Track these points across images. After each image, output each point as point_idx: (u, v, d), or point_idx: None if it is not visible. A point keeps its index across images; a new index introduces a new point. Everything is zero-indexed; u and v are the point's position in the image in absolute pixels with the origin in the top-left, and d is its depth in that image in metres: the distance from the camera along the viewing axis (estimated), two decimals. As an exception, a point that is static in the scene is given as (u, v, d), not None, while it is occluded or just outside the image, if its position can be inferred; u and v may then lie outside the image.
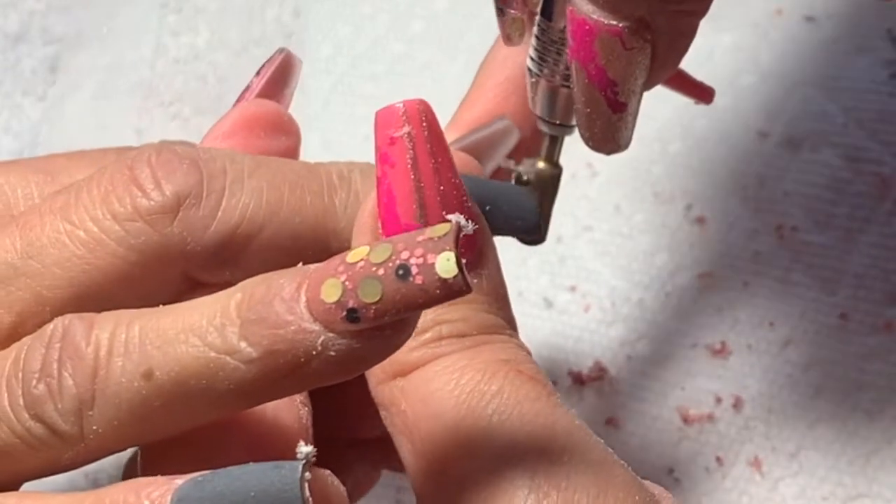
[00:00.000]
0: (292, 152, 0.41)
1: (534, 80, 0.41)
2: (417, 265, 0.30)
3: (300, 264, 0.33)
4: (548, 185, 0.43)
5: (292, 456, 0.32)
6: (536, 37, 0.40)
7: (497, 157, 0.45)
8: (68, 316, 0.34)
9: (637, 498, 0.33)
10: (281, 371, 0.32)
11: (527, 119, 0.44)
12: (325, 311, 0.31)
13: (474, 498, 0.33)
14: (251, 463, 0.32)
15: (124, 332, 0.33)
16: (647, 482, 0.35)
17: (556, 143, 0.43)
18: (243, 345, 0.32)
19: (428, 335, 0.35)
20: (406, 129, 0.34)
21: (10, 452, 0.34)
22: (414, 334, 0.33)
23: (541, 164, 0.43)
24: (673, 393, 0.55)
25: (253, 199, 0.37)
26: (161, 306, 0.35)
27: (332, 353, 0.32)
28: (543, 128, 0.42)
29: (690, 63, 0.41)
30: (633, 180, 0.59)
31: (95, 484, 0.51)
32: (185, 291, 0.38)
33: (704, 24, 0.38)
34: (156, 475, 0.33)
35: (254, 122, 0.41)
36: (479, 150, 0.43)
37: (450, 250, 0.30)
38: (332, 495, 0.33)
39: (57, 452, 0.34)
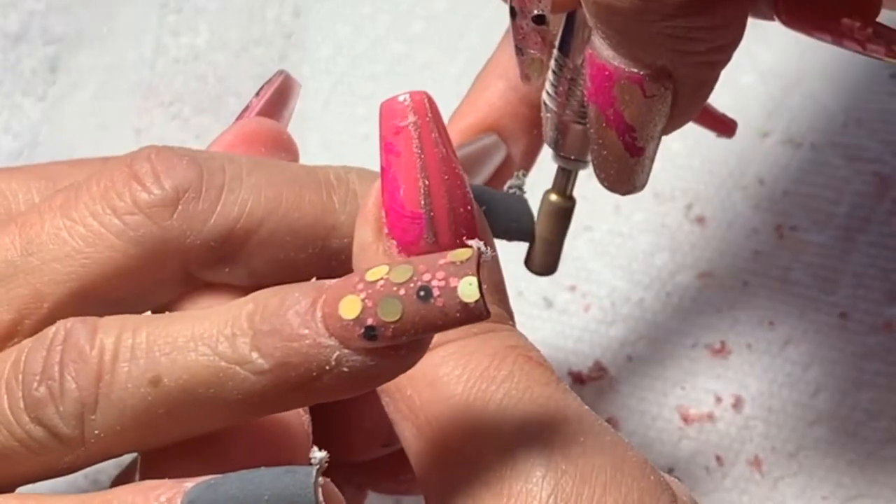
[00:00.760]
0: None
1: (548, 114, 0.41)
2: (439, 287, 0.31)
3: (314, 279, 0.33)
4: (559, 218, 0.43)
5: (293, 461, 0.32)
6: (553, 71, 0.40)
7: (484, 172, 0.45)
8: (70, 319, 0.34)
9: (652, 478, 0.33)
10: (291, 384, 0.32)
11: (517, 138, 0.44)
12: (342, 327, 0.31)
13: (487, 479, 0.33)
14: (263, 467, 0.32)
15: (130, 338, 0.33)
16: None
17: (569, 176, 0.42)
18: (255, 355, 0.32)
19: None
20: (412, 118, 0.35)
21: (8, 455, 0.34)
22: None
23: (553, 197, 0.43)
24: (673, 392, 0.55)
25: (252, 195, 0.37)
26: (167, 313, 0.35)
27: (346, 369, 0.32)
28: (557, 161, 0.42)
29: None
30: (632, 180, 0.59)
31: (96, 483, 0.51)
32: (183, 290, 0.38)
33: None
34: (155, 477, 0.33)
35: (254, 138, 0.41)
36: (466, 164, 0.43)
37: (472, 275, 0.31)
38: (336, 501, 0.33)
39: (56, 456, 0.34)
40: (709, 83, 0.38)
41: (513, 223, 0.41)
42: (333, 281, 0.33)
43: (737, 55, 0.64)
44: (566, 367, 0.56)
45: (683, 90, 0.37)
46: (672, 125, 0.38)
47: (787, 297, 0.56)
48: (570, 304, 0.57)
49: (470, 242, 0.32)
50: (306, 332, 0.32)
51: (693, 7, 0.34)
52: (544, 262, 0.43)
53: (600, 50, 0.37)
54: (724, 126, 0.45)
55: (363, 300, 0.31)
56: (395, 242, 0.35)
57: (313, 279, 0.33)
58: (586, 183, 0.59)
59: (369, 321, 0.31)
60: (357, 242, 0.36)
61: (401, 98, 0.35)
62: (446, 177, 0.35)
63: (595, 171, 0.40)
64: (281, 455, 0.34)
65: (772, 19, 0.38)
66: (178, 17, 0.66)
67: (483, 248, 0.32)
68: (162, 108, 0.64)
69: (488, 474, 0.33)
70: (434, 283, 0.31)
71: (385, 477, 0.43)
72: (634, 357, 0.56)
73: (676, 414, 0.54)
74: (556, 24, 0.40)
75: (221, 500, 0.31)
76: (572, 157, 0.42)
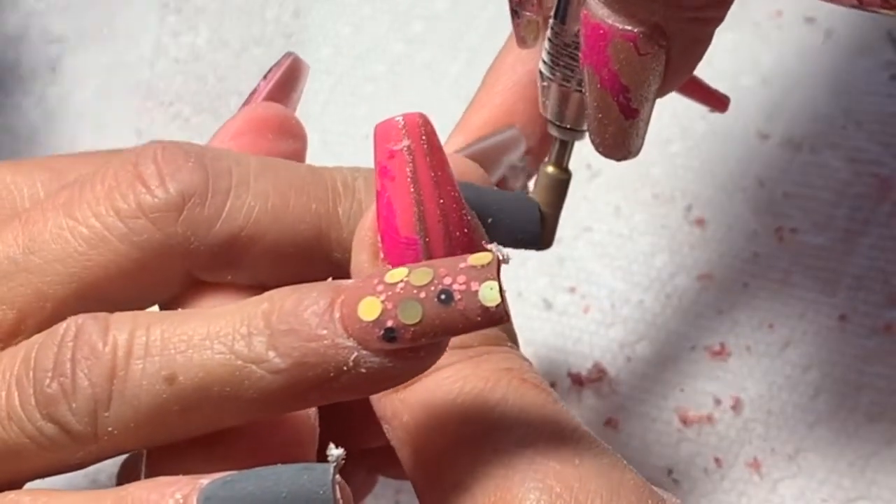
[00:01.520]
0: (299, 155, 0.41)
1: (545, 83, 0.41)
2: (460, 291, 0.31)
3: (330, 279, 0.33)
4: (556, 191, 0.43)
5: (300, 458, 0.32)
6: (549, 40, 0.40)
7: (504, 165, 0.45)
8: (81, 316, 0.34)
9: (650, 502, 0.33)
10: (308, 383, 0.32)
11: (535, 126, 0.44)
12: (361, 328, 0.32)
13: (482, 502, 0.33)
14: (279, 464, 0.32)
15: (144, 335, 0.33)
16: (656, 489, 0.35)
17: (565, 147, 0.42)
18: (272, 354, 0.32)
19: None
20: (405, 142, 0.35)
21: (18, 452, 0.34)
22: None
23: (549, 169, 0.43)
24: (672, 394, 0.55)
25: (258, 203, 0.37)
26: (180, 311, 0.35)
27: (363, 370, 0.32)
28: (554, 132, 0.42)
29: (690, 64, 0.41)
30: (632, 181, 0.59)
31: (94, 481, 0.51)
32: (186, 290, 0.38)
33: (704, 26, 0.38)
34: (159, 473, 0.33)
35: (262, 123, 0.41)
36: (485, 158, 0.43)
37: (493, 279, 0.31)
38: (347, 499, 0.33)
39: (68, 452, 0.34)
40: (702, 41, 0.37)
41: (519, 233, 0.41)
42: (350, 282, 0.33)
43: (736, 56, 0.64)
44: (565, 368, 0.56)
45: (677, 47, 0.37)
46: (666, 85, 0.38)
47: (787, 299, 0.56)
48: (570, 305, 0.57)
49: (489, 246, 0.32)
50: (324, 332, 0.32)
51: None
52: (541, 235, 0.43)
53: (595, 10, 0.37)
54: (716, 101, 0.45)
55: (383, 302, 0.31)
56: (390, 267, 0.35)
57: (329, 279, 0.33)
58: (586, 184, 0.59)
59: (389, 323, 0.31)
60: (354, 266, 0.36)
61: (395, 120, 0.35)
62: (441, 200, 0.35)
63: (590, 136, 0.39)
64: (287, 452, 0.34)
65: None
66: (178, 17, 0.66)
67: (502, 253, 0.32)
68: (162, 108, 0.64)
69: (484, 498, 0.33)
70: (455, 286, 0.31)
71: (396, 462, 0.43)
72: (634, 358, 0.56)
73: (675, 415, 0.54)
74: None
75: (238, 497, 0.31)
76: (569, 127, 0.42)
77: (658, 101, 0.40)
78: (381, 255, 0.35)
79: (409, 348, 0.32)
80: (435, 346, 0.32)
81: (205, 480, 0.32)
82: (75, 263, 0.36)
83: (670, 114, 0.60)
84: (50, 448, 0.34)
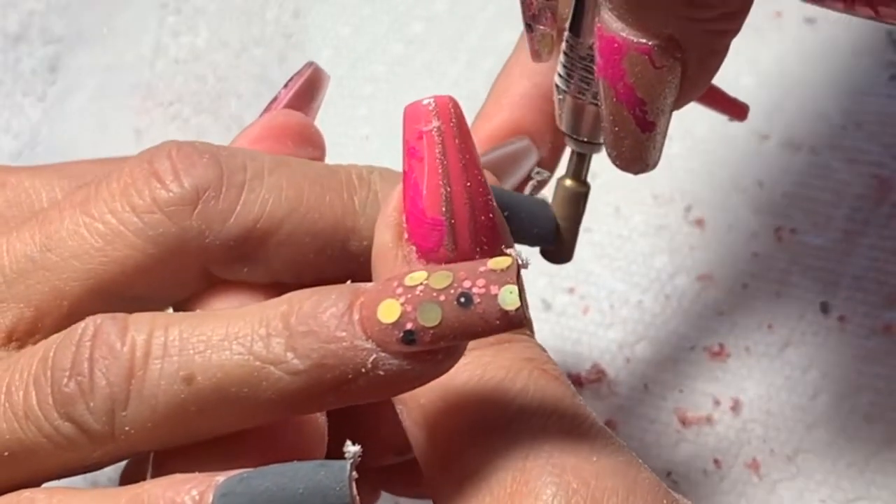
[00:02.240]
0: None
1: (561, 96, 0.41)
2: (479, 294, 0.31)
3: (349, 282, 0.33)
4: (575, 203, 0.43)
5: (308, 458, 0.32)
6: (564, 53, 0.40)
7: (516, 176, 0.45)
8: (99, 315, 0.34)
9: (665, 502, 0.33)
10: (326, 385, 0.32)
11: (543, 135, 0.44)
12: (380, 330, 0.32)
13: (498, 494, 0.33)
14: (295, 461, 0.32)
15: (163, 335, 0.33)
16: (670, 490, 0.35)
17: (583, 160, 0.42)
18: (290, 356, 0.32)
19: None
20: (435, 123, 0.35)
21: (35, 451, 0.34)
22: None
23: (568, 182, 0.42)
24: (671, 395, 0.55)
25: (272, 195, 0.37)
26: (198, 311, 0.35)
27: (381, 373, 0.32)
28: (571, 145, 0.42)
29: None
30: (632, 182, 0.59)
31: (93, 483, 0.51)
32: (201, 287, 0.38)
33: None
34: (167, 472, 0.33)
35: (281, 131, 0.41)
36: (498, 168, 0.43)
37: (513, 283, 0.31)
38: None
39: (85, 452, 0.34)
40: (718, 53, 0.37)
41: (535, 230, 0.41)
42: (369, 284, 0.33)
43: (736, 57, 0.64)
44: (564, 369, 0.56)
45: (693, 59, 0.36)
46: (683, 98, 0.38)
47: (787, 299, 0.56)
48: (569, 306, 0.57)
49: (508, 251, 0.32)
50: (343, 334, 0.32)
51: None
52: (560, 249, 0.43)
53: (609, 23, 0.36)
54: (736, 109, 0.45)
55: (402, 304, 0.32)
56: (414, 248, 0.35)
57: (348, 282, 0.33)
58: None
59: (409, 325, 0.31)
60: (376, 246, 0.36)
61: (425, 101, 0.35)
62: (468, 183, 0.35)
63: (607, 149, 0.39)
64: (296, 454, 0.34)
65: None
66: (178, 18, 0.66)
67: (522, 258, 0.32)
68: (162, 108, 0.64)
69: (499, 489, 0.33)
70: (474, 289, 0.31)
71: (399, 481, 0.43)
72: (633, 359, 0.56)
73: (674, 416, 0.54)
74: (566, 5, 0.40)
75: (255, 494, 0.31)
76: (586, 140, 0.41)
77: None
78: (406, 236, 0.35)
79: (427, 351, 0.32)
80: (453, 349, 0.32)
81: (220, 477, 0.32)
82: (92, 260, 0.36)
83: (670, 114, 0.60)
84: (67, 447, 0.34)
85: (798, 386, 0.54)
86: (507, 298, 0.31)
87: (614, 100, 0.37)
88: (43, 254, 0.36)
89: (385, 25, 0.65)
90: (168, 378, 0.33)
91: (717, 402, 0.54)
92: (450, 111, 0.35)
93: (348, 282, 0.34)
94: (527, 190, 0.43)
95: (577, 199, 0.43)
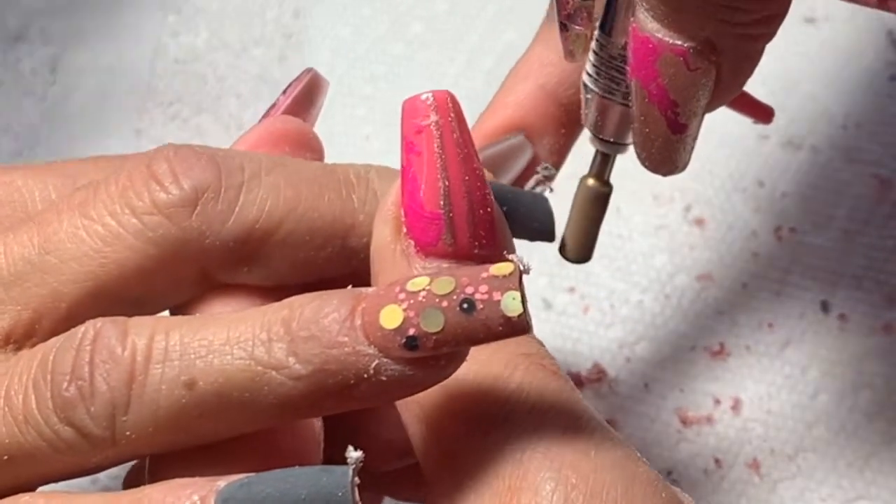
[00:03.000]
0: None
1: (589, 96, 0.40)
2: (482, 300, 0.31)
3: (350, 286, 0.33)
4: (597, 204, 0.42)
5: (306, 464, 0.32)
6: (594, 52, 0.39)
7: (510, 172, 0.45)
8: (99, 319, 0.34)
9: (664, 496, 0.33)
10: (328, 390, 0.32)
11: (542, 135, 0.44)
12: (382, 336, 0.32)
13: (496, 489, 0.33)
14: (297, 466, 0.32)
15: (164, 339, 0.33)
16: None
17: (607, 161, 0.42)
18: (292, 360, 0.32)
19: None
20: (434, 118, 0.35)
21: (34, 455, 0.34)
22: None
23: (590, 182, 0.42)
24: (671, 395, 0.55)
25: (271, 195, 0.37)
26: (198, 315, 0.35)
27: (384, 378, 0.32)
28: (596, 145, 0.41)
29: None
30: (631, 181, 0.59)
31: (95, 483, 0.51)
32: (201, 290, 0.38)
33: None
34: (164, 477, 0.33)
35: (279, 137, 0.41)
36: (492, 165, 0.43)
37: (516, 289, 0.31)
38: None
39: (85, 456, 0.34)
40: (753, 57, 0.37)
41: (534, 224, 0.41)
42: (371, 289, 0.33)
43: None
44: (564, 368, 0.55)
45: (727, 63, 0.36)
46: (716, 101, 0.38)
47: (786, 298, 0.56)
48: (569, 305, 0.57)
49: (511, 257, 0.32)
50: (345, 339, 0.32)
51: None
52: (579, 249, 0.43)
53: (644, 23, 0.36)
54: (762, 112, 0.45)
55: (405, 310, 0.32)
56: (413, 242, 0.35)
57: (349, 286, 0.33)
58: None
59: (411, 331, 0.31)
60: (375, 241, 0.36)
61: (423, 96, 0.35)
62: (467, 178, 0.35)
63: (636, 151, 0.39)
64: (293, 458, 0.34)
65: None
66: (178, 18, 0.66)
67: (524, 263, 0.32)
68: (162, 108, 0.64)
69: (498, 484, 0.33)
70: (477, 296, 0.31)
71: (401, 486, 0.43)
72: (633, 359, 0.56)
73: (675, 416, 0.54)
74: (601, 5, 0.39)
75: (257, 499, 0.31)
76: (612, 141, 0.41)
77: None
78: (404, 231, 0.35)
79: (429, 357, 0.32)
80: (456, 355, 0.32)
81: (222, 483, 0.32)
82: (91, 262, 0.36)
83: (670, 114, 0.60)
84: (67, 452, 0.34)
85: (798, 385, 0.54)
86: (510, 305, 0.31)
87: (646, 101, 0.37)
88: (41, 256, 0.36)
89: (385, 25, 0.65)
90: (169, 383, 0.33)
91: (717, 402, 0.54)
92: (448, 106, 0.35)
93: (349, 285, 0.33)
94: (531, 184, 0.43)
95: (600, 199, 0.42)
